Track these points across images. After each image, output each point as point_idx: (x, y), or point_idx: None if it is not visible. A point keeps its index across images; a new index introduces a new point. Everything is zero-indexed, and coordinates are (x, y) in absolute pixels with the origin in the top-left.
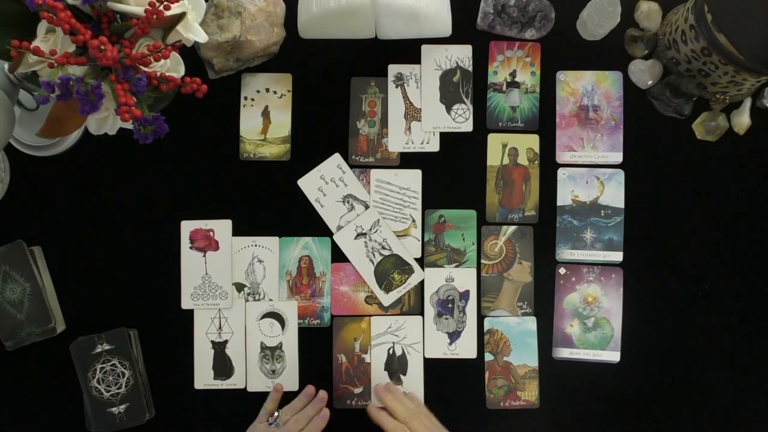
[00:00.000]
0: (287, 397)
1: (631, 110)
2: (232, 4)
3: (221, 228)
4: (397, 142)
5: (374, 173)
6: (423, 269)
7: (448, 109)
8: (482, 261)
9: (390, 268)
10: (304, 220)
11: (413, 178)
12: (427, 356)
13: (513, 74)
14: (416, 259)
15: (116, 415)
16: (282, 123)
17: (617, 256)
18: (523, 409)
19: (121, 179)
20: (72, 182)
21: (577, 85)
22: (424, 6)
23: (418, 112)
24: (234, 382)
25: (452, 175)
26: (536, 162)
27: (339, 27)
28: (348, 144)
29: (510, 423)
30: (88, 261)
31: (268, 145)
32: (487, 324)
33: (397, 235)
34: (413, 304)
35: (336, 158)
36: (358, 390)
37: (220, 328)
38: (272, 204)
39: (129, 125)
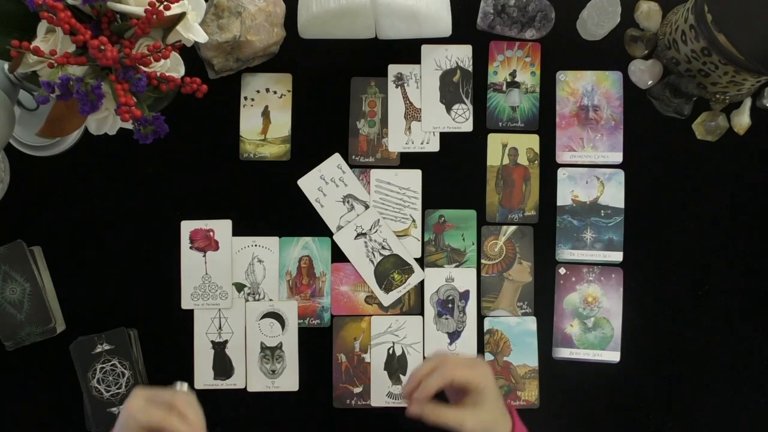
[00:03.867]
0: (286, 397)
1: (631, 110)
2: (232, 4)
3: (221, 228)
4: (397, 142)
5: (374, 173)
6: (423, 269)
7: (448, 109)
8: (482, 261)
9: (390, 268)
10: (304, 220)
11: (413, 178)
12: (427, 356)
13: (513, 74)
14: (416, 259)
15: (116, 415)
16: (282, 123)
17: (617, 256)
18: (523, 409)
19: (121, 179)
20: (72, 182)
21: (577, 85)
22: (424, 6)
23: (418, 112)
24: (234, 382)
25: (452, 175)
26: (536, 162)
27: (339, 27)
28: (348, 144)
29: None
30: (88, 261)
31: (268, 145)
32: (487, 324)
33: (397, 235)
34: (413, 304)
35: (336, 158)
36: (357, 390)
37: (220, 328)
38: (272, 204)
39: (129, 125)
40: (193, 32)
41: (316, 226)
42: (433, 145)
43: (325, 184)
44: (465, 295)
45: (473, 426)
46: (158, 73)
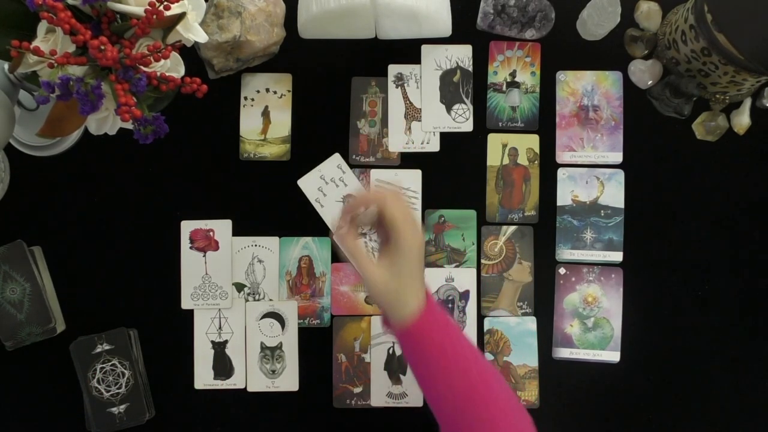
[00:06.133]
0: (286, 398)
1: (631, 110)
2: (232, 4)
3: (221, 228)
4: (397, 142)
5: (374, 173)
6: None
7: (448, 109)
8: (482, 261)
9: None
10: (304, 220)
11: (413, 178)
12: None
13: (513, 74)
14: None
15: (116, 415)
16: (282, 123)
17: (617, 256)
18: None
19: (121, 179)
20: (72, 182)
21: (577, 85)
22: (424, 6)
23: (418, 112)
24: (234, 382)
25: (452, 175)
26: (536, 162)
27: (339, 27)
28: (348, 144)
29: None
30: (88, 261)
31: (268, 145)
32: (487, 324)
33: None
34: None
35: (336, 158)
36: (358, 390)
37: (220, 328)
38: (272, 204)
39: (129, 125)
40: (193, 32)
41: (316, 226)
42: (433, 145)
43: (325, 184)
44: (465, 295)
45: (378, 278)
46: (158, 73)
